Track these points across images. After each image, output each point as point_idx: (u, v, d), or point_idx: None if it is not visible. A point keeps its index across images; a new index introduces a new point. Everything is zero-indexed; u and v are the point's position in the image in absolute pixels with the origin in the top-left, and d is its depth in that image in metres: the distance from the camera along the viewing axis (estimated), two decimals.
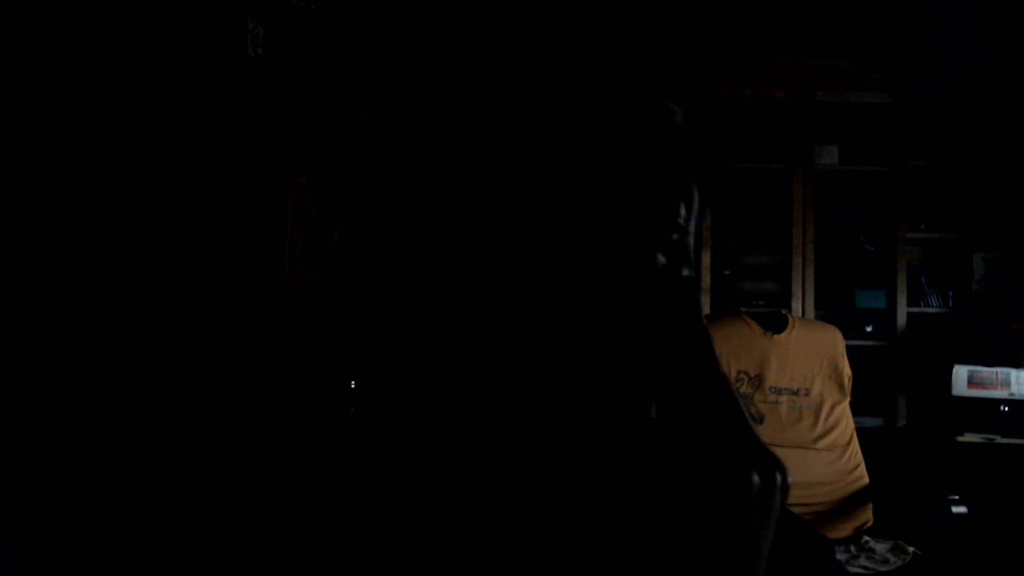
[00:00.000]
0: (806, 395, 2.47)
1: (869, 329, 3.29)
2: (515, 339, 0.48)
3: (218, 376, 2.11)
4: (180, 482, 1.76)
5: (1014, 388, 2.87)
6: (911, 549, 2.24)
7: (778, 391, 2.46)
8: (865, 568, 2.18)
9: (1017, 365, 2.90)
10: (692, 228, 0.54)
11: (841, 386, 2.51)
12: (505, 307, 0.49)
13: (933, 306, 3.31)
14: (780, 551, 0.56)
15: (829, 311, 3.27)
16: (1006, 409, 2.90)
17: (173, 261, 2.12)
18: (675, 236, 0.52)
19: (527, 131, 0.50)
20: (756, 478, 0.48)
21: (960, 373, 2.91)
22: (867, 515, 2.39)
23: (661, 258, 0.50)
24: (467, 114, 0.51)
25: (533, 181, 0.49)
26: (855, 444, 2.48)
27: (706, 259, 3.24)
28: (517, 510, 0.52)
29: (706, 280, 3.25)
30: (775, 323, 2.55)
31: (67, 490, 1.71)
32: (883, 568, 2.19)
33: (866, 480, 2.44)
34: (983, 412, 2.92)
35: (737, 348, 2.49)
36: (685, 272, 0.53)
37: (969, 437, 2.91)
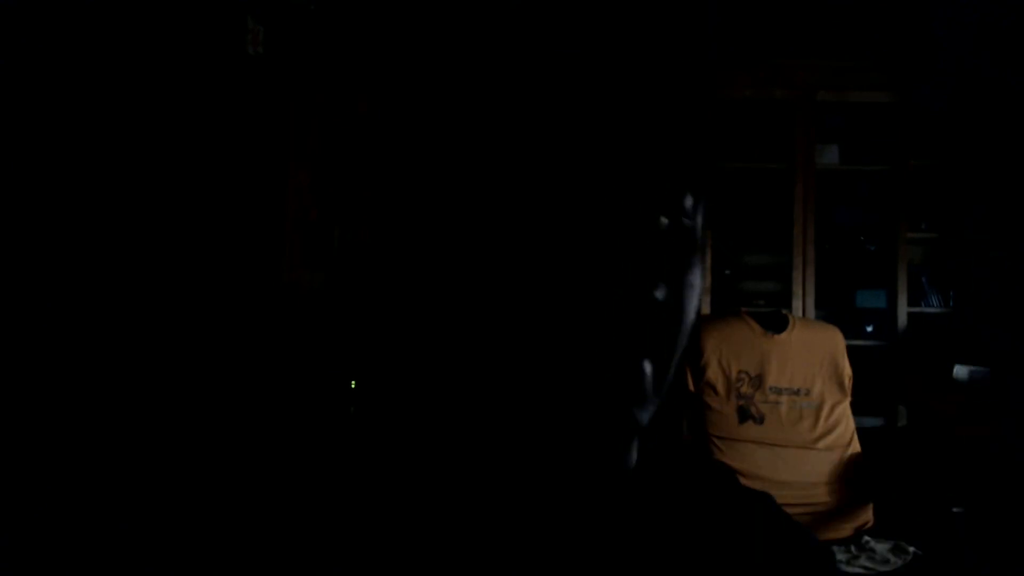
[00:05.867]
0: (807, 395, 2.47)
1: (870, 329, 3.29)
2: (511, 338, 0.48)
3: (216, 377, 2.10)
4: (180, 482, 1.75)
5: None
6: (911, 549, 2.24)
7: (779, 391, 2.45)
8: (865, 568, 2.18)
9: None
10: (699, 223, 0.52)
11: (841, 386, 2.51)
12: (502, 306, 0.48)
13: (934, 306, 3.31)
14: (779, 558, 0.56)
15: (830, 311, 3.27)
16: None
17: (171, 261, 2.12)
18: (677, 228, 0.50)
19: (528, 127, 0.49)
20: None
21: (961, 373, 2.91)
22: (867, 515, 2.39)
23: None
24: (467, 111, 0.51)
25: (533, 178, 0.49)
26: (855, 444, 2.48)
27: (707, 259, 3.23)
28: (514, 511, 0.52)
29: (707, 280, 3.24)
30: (776, 323, 2.55)
31: (67, 490, 1.71)
32: (883, 568, 2.18)
33: (867, 480, 2.44)
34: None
35: (738, 348, 2.48)
36: (691, 276, 0.51)
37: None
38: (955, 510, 2.25)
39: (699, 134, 0.50)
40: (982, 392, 2.85)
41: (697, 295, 0.51)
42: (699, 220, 0.51)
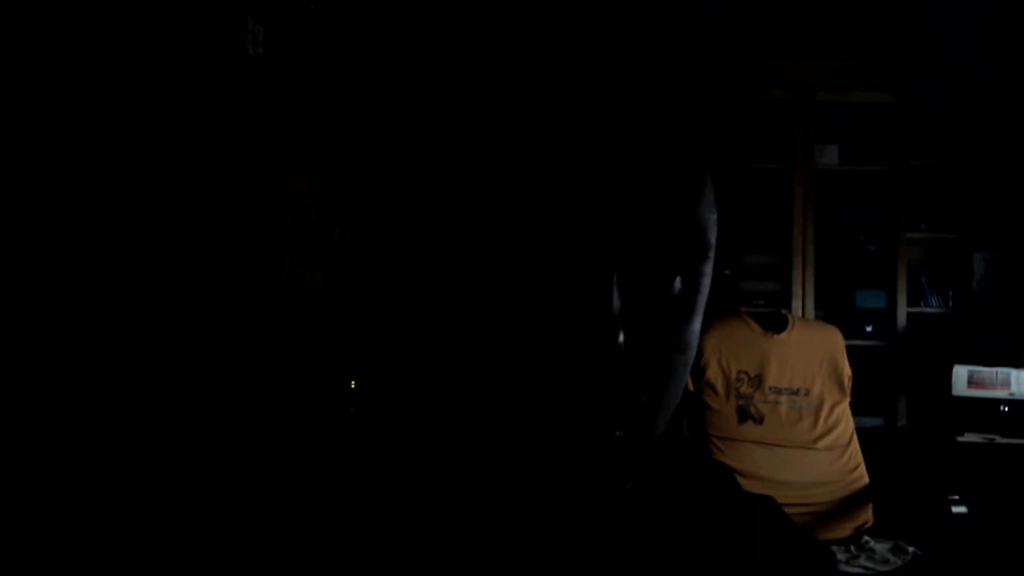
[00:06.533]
0: (806, 395, 2.47)
1: (869, 329, 3.29)
2: (507, 341, 0.48)
3: (216, 377, 2.10)
4: (179, 482, 1.76)
5: (1014, 388, 2.87)
6: (911, 549, 2.24)
7: (778, 391, 2.46)
8: (865, 568, 2.18)
9: (1017, 365, 2.90)
10: (707, 271, 0.52)
11: (841, 386, 2.51)
12: (500, 310, 0.48)
13: (933, 306, 3.31)
14: (780, 559, 0.56)
15: (829, 311, 3.27)
16: (1006, 409, 2.90)
17: (171, 262, 2.12)
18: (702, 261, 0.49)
19: (532, 132, 0.49)
20: None
21: (960, 373, 2.91)
22: (867, 515, 2.39)
23: (678, 284, 0.48)
24: (469, 115, 0.51)
25: (539, 184, 0.48)
26: (855, 444, 2.48)
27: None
28: (512, 512, 0.52)
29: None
30: (775, 323, 2.55)
31: (66, 490, 1.71)
32: (883, 568, 2.18)
33: (866, 480, 2.44)
34: (983, 412, 2.92)
35: (737, 348, 2.48)
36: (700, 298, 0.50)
37: (969, 437, 2.91)
38: (955, 510, 2.25)
39: (706, 168, 0.50)
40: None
41: (690, 358, 0.51)
42: (707, 269, 0.51)
